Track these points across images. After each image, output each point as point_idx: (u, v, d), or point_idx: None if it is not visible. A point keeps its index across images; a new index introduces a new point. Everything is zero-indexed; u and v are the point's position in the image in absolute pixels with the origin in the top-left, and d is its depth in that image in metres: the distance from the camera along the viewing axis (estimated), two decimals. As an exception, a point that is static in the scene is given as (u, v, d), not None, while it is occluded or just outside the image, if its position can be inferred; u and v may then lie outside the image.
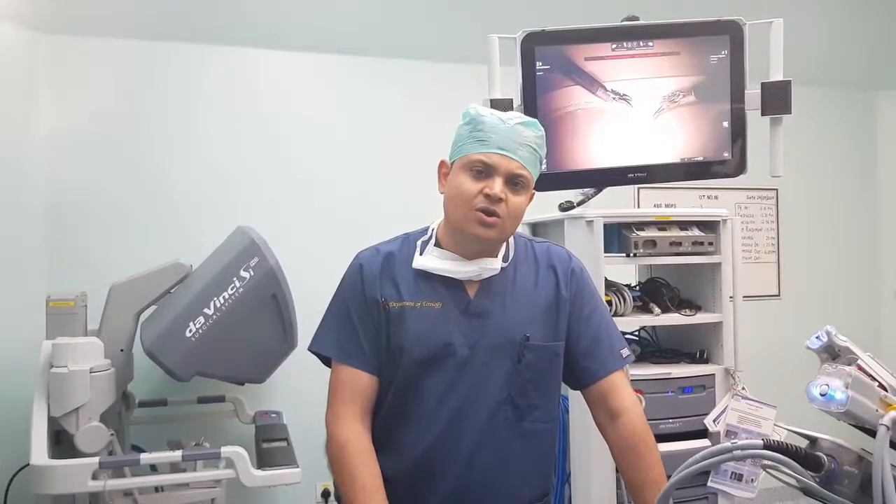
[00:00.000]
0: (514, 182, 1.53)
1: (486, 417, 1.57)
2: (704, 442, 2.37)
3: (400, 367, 1.58)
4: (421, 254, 1.63)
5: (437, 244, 1.64)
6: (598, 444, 2.26)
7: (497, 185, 1.51)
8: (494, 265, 1.60)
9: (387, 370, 1.60)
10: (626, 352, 1.70)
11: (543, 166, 2.35)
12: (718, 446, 1.06)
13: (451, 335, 1.57)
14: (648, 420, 2.28)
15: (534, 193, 1.63)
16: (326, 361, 1.66)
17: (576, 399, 2.38)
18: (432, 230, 1.67)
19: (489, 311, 1.59)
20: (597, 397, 1.65)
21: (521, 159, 1.53)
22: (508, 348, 1.58)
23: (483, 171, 1.52)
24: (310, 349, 1.67)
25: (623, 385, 1.66)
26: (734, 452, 1.04)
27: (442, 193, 1.61)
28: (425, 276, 1.60)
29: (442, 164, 1.63)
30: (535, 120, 1.60)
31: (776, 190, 4.21)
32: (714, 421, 2.38)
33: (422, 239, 1.66)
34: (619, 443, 1.61)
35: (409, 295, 1.59)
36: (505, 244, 1.65)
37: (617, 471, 2.23)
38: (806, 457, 1.05)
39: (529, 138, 1.55)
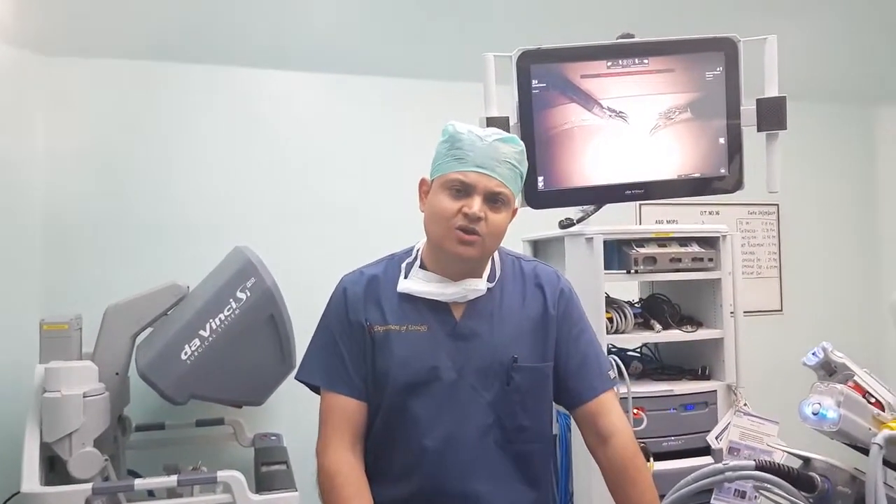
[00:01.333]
0: (493, 200, 1.52)
1: (476, 441, 1.55)
2: (707, 459, 2.33)
3: (386, 392, 1.56)
4: (405, 276, 1.61)
5: (423, 265, 1.62)
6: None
7: (475, 204, 1.49)
8: (480, 286, 1.58)
9: (373, 395, 1.58)
10: (612, 374, 1.68)
11: (541, 185, 2.40)
12: (711, 467, 1.04)
13: (438, 358, 1.55)
14: (651, 437, 2.29)
15: (517, 209, 1.61)
16: (316, 389, 1.63)
17: (575, 418, 2.35)
18: (417, 251, 1.65)
19: (476, 333, 1.57)
20: (586, 419, 1.63)
21: (500, 176, 1.52)
22: (496, 370, 1.56)
23: (461, 189, 1.51)
24: (297, 378, 1.65)
25: (613, 407, 1.63)
26: (726, 474, 1.03)
27: (423, 212, 1.59)
28: (410, 298, 1.58)
29: (422, 182, 1.62)
30: (515, 136, 1.58)
31: (777, 205, 4.19)
32: (717, 438, 2.35)
33: (406, 261, 1.64)
34: (610, 467, 1.58)
35: (394, 318, 1.57)
36: (491, 263, 1.64)
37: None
38: (799, 477, 1.03)
39: (508, 154, 1.53)
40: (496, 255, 1.66)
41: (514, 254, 1.73)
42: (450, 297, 1.57)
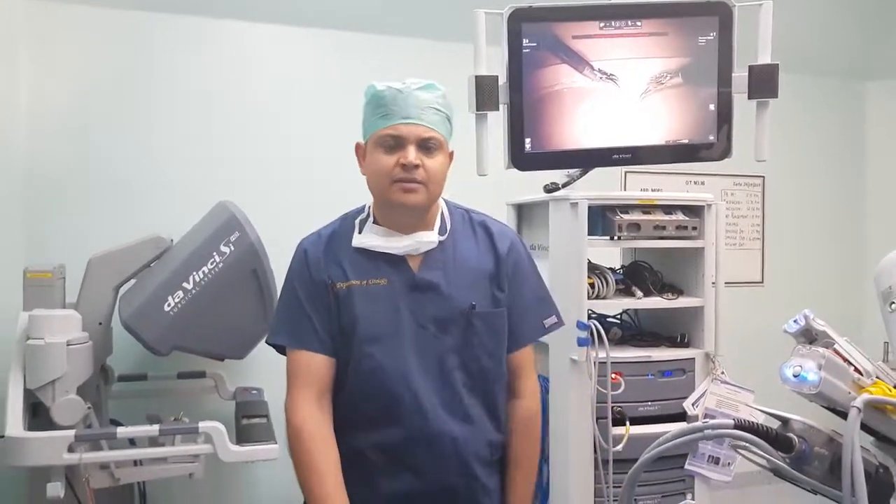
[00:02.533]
0: (425, 146, 1.58)
1: (444, 384, 1.63)
2: (683, 425, 2.37)
3: (353, 345, 1.62)
4: (360, 232, 1.67)
5: (375, 221, 1.68)
6: (576, 426, 2.28)
7: (410, 153, 1.56)
8: (431, 238, 1.65)
9: (342, 350, 1.64)
10: (550, 321, 1.78)
11: (528, 146, 2.38)
12: (690, 425, 1.06)
13: (399, 310, 1.62)
14: (628, 402, 2.34)
15: (452, 152, 1.67)
16: (282, 351, 1.71)
17: (556, 379, 2.38)
18: (368, 207, 1.72)
19: (434, 284, 1.64)
20: (508, 369, 1.73)
21: (428, 122, 1.58)
22: (456, 318, 1.63)
23: (394, 144, 1.57)
24: (267, 342, 1.74)
25: (528, 367, 1.76)
26: (705, 432, 1.05)
27: (364, 175, 1.66)
28: (368, 254, 1.65)
29: (357, 146, 1.68)
30: (434, 82, 1.63)
31: (763, 177, 4.21)
32: (693, 404, 2.39)
33: (359, 217, 1.71)
34: (513, 418, 1.74)
35: (355, 274, 1.64)
36: (440, 217, 1.70)
37: (595, 452, 2.25)
38: (777, 437, 1.05)
39: (431, 101, 1.59)
40: (445, 208, 1.72)
41: (463, 207, 1.79)
42: (403, 249, 1.64)
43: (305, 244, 1.71)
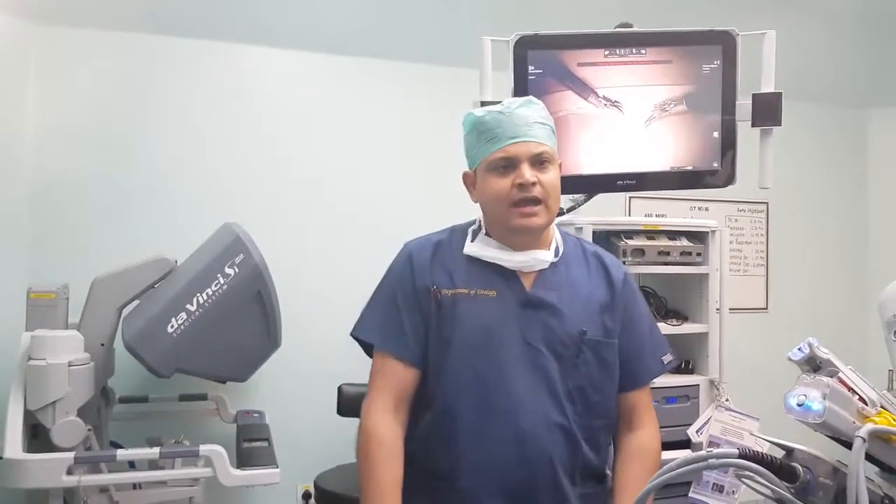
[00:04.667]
0: (538, 162, 1.54)
1: (551, 406, 1.55)
2: (687, 452, 2.35)
3: (451, 354, 1.56)
4: (472, 241, 1.63)
5: (488, 234, 1.63)
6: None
7: (525, 172, 1.52)
8: (546, 257, 1.60)
9: (437, 360, 1.57)
10: (667, 358, 1.72)
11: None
12: (695, 454, 1.05)
13: (507, 324, 1.56)
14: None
15: (561, 163, 1.63)
16: (367, 350, 1.65)
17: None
18: (480, 220, 1.67)
19: (546, 304, 1.58)
20: (625, 405, 1.66)
21: (536, 138, 1.54)
22: (566, 342, 1.57)
23: (507, 165, 1.54)
24: (352, 334, 1.66)
25: (648, 401, 1.69)
26: (710, 461, 1.03)
27: (476, 202, 1.63)
28: (478, 264, 1.60)
29: (465, 175, 1.64)
30: (531, 97, 1.61)
31: (766, 203, 4.21)
32: (697, 431, 2.37)
33: (472, 228, 1.66)
34: (630, 447, 1.65)
35: (463, 282, 1.58)
36: (554, 240, 1.65)
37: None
38: (781, 467, 1.04)
39: (534, 116, 1.56)
40: (557, 233, 1.68)
41: (574, 235, 1.77)
42: (517, 264, 1.59)
43: (411, 247, 1.65)
